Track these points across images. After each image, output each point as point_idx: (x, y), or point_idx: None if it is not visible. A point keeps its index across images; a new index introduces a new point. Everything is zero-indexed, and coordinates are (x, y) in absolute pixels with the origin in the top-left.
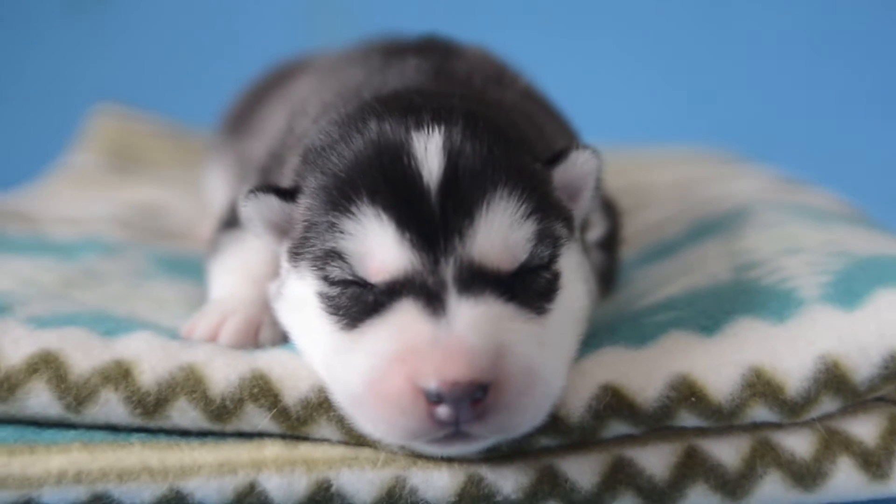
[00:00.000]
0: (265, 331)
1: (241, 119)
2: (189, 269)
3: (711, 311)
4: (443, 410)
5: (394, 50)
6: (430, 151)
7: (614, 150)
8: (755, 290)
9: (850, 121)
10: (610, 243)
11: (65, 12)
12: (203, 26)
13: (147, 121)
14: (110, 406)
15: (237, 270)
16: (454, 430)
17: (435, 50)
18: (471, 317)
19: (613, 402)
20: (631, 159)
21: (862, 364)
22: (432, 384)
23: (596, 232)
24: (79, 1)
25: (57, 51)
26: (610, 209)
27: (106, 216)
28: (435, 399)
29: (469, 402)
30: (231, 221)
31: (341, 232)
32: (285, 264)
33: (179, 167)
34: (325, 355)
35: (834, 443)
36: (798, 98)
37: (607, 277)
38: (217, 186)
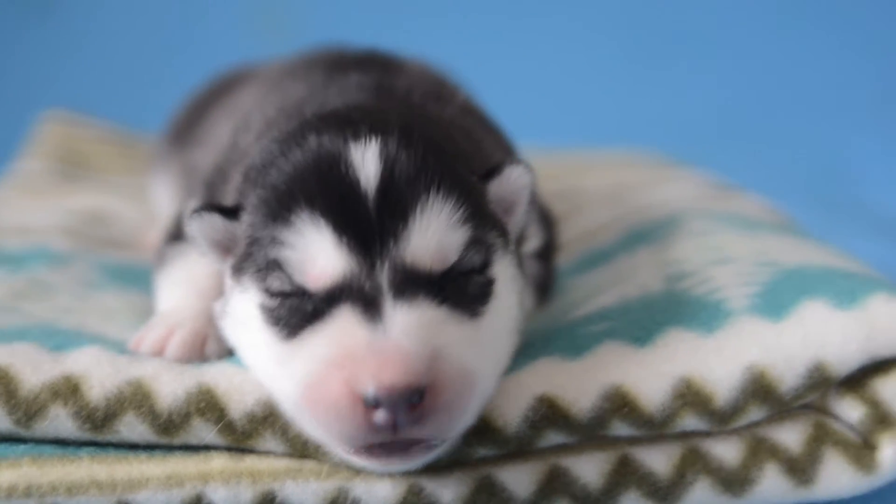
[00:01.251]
0: (211, 344)
1: (186, 129)
2: (137, 279)
3: (644, 321)
4: (380, 415)
5: (336, 65)
6: (366, 159)
7: (550, 154)
8: (685, 301)
9: (780, 119)
10: (546, 254)
11: (8, 17)
12: (149, 32)
13: (94, 127)
14: (59, 421)
15: (183, 283)
16: (392, 438)
17: (375, 65)
18: (406, 321)
19: (549, 413)
20: (566, 163)
21: (787, 374)
22: (369, 389)
23: (532, 243)
24: (23, 4)
25: (3, 56)
26: (546, 220)
27: (54, 225)
28: (373, 404)
29: (406, 406)
30: (177, 234)
31: (281, 242)
32: (229, 281)
33: (126, 173)
34: (269, 367)
35: (761, 450)
36: (728, 98)
37: (543, 287)
38: (163, 195)
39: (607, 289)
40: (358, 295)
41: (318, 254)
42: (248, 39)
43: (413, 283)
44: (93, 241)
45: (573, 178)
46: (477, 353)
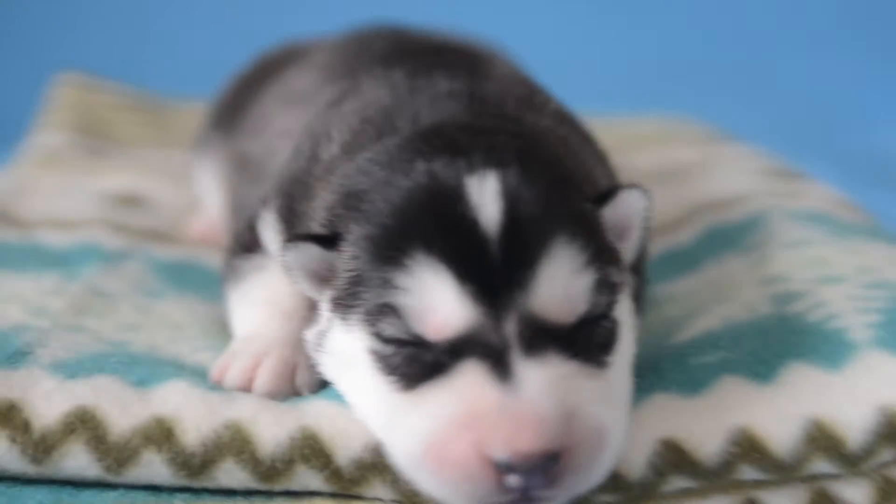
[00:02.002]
0: (302, 373)
1: (232, 114)
2: (193, 280)
3: (761, 353)
4: (514, 479)
5: (415, 64)
6: (486, 197)
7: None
8: (802, 330)
9: (786, 67)
10: (638, 265)
11: None
12: None
13: (113, 92)
14: (153, 468)
15: (265, 304)
16: (521, 496)
17: (461, 65)
18: (539, 380)
19: (674, 458)
20: (604, 136)
21: None
22: (504, 455)
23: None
24: None
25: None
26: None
27: (95, 216)
28: (505, 469)
29: (541, 471)
30: (249, 245)
31: (395, 286)
32: (328, 314)
33: (153, 145)
34: (381, 416)
35: (892, 492)
36: (728, 45)
37: (637, 299)
38: (209, 184)
39: (708, 307)
40: (484, 349)
41: (439, 302)
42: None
43: (543, 337)
44: (139, 235)
45: (617, 154)
46: (608, 406)
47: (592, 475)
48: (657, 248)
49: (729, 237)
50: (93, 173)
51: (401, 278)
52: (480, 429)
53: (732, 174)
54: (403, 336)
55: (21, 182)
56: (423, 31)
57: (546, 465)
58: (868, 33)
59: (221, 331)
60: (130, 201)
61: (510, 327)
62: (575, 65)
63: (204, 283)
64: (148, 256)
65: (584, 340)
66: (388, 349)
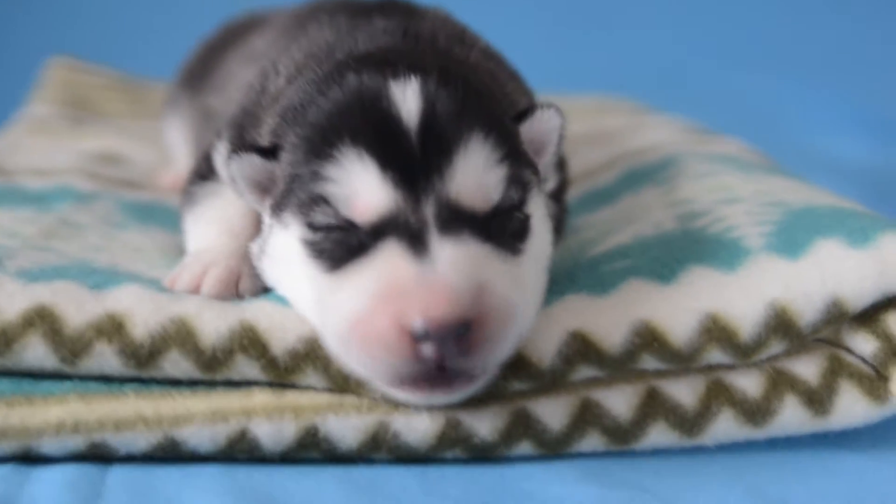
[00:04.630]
0: (245, 281)
1: (199, 74)
2: (158, 217)
3: (665, 259)
4: (428, 348)
5: (357, 10)
6: (408, 96)
7: None
8: (703, 239)
9: (717, 72)
10: (559, 193)
11: None
12: None
13: (100, 73)
14: (104, 358)
15: (215, 222)
16: (436, 370)
17: (397, 11)
18: (453, 256)
19: (582, 349)
20: None
21: (807, 309)
22: (418, 323)
23: (549, 184)
24: None
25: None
26: (561, 162)
27: (72, 167)
28: (421, 337)
29: (453, 338)
30: (204, 173)
31: (325, 178)
32: (268, 220)
33: (134, 118)
34: (313, 300)
35: (781, 382)
36: (667, 53)
37: (558, 226)
38: (178, 139)
39: (621, 227)
40: (404, 230)
41: (364, 188)
42: None
43: (458, 220)
44: (110, 182)
45: None
46: (518, 287)
47: (501, 347)
48: (583, 189)
49: (645, 175)
50: (75, 137)
51: (330, 169)
52: (399, 301)
53: (654, 131)
54: (332, 221)
55: (9, 143)
56: None
57: (458, 332)
58: (800, 49)
59: (179, 255)
60: (107, 158)
61: (428, 210)
62: (529, 62)
63: (168, 220)
64: (118, 198)
65: (498, 228)
66: (318, 236)
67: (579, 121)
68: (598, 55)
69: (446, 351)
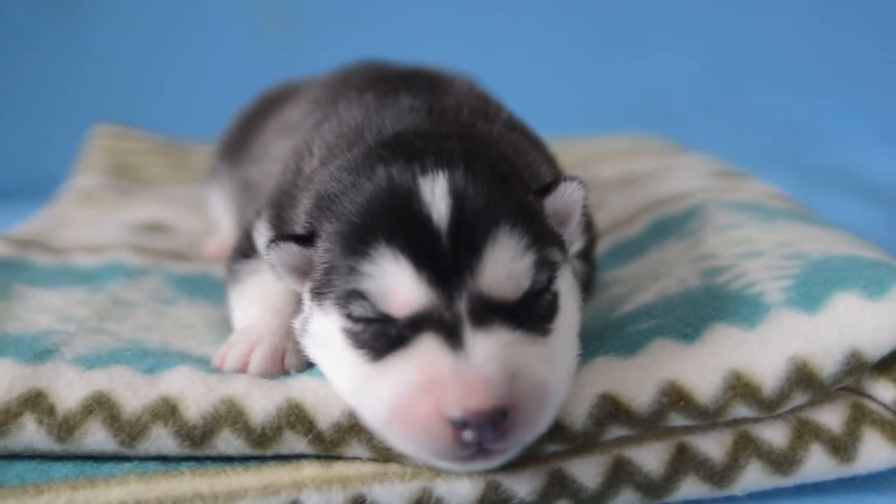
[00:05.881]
0: (290, 357)
1: (237, 146)
2: (205, 290)
3: (689, 318)
4: (468, 434)
5: (384, 86)
6: (437, 195)
7: (555, 142)
8: (725, 297)
9: (749, 91)
10: (587, 253)
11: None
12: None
13: (143, 139)
14: (161, 440)
15: (259, 300)
16: (477, 448)
17: (422, 85)
18: (486, 348)
19: (612, 410)
20: (576, 152)
21: (827, 362)
22: (457, 413)
23: (576, 246)
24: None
25: (45, 69)
26: (587, 223)
27: (121, 241)
28: (460, 425)
29: (491, 425)
30: (246, 251)
31: (361, 274)
32: (308, 303)
33: (177, 182)
34: (354, 385)
35: (805, 432)
36: (695, 72)
37: (587, 284)
38: (220, 209)
39: (647, 284)
40: (440, 324)
41: (400, 286)
42: (253, 39)
43: (489, 312)
44: (158, 255)
45: (586, 168)
46: (550, 367)
47: (537, 427)
48: (611, 241)
49: (671, 227)
50: (121, 208)
51: (366, 266)
52: (438, 392)
53: (682, 177)
54: (371, 315)
55: (58, 217)
56: (399, 64)
57: (495, 420)
58: (830, 66)
59: (226, 328)
60: (153, 228)
61: (461, 305)
62: (562, 96)
63: (214, 292)
64: (166, 272)
65: (528, 312)
66: (358, 327)
67: (608, 165)
68: (627, 78)
69: (484, 437)
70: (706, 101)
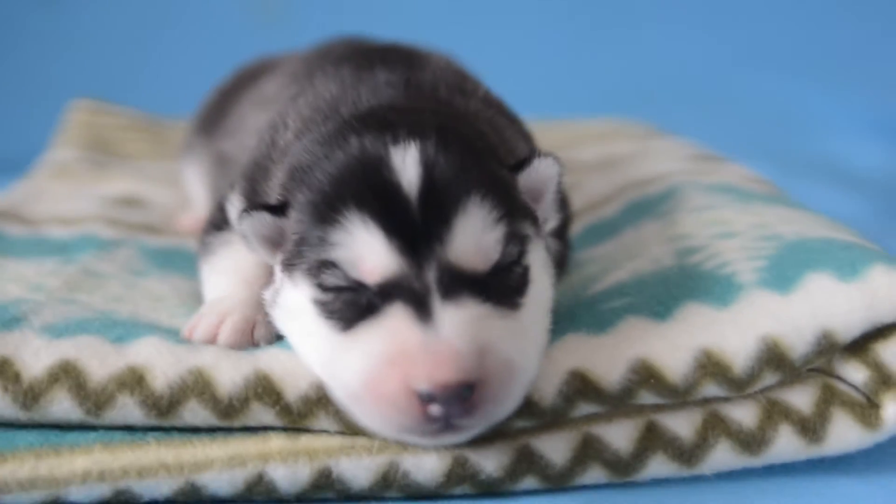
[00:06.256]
0: (259, 329)
1: (214, 118)
2: (178, 263)
3: (661, 296)
4: (435, 408)
5: (362, 61)
6: (407, 163)
7: (537, 125)
8: (698, 276)
9: (732, 77)
10: (562, 231)
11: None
12: (160, 19)
13: (121, 114)
14: (127, 409)
15: (229, 272)
16: (444, 424)
17: (399, 60)
18: (455, 321)
19: (581, 386)
20: (557, 135)
21: (798, 342)
22: (424, 387)
23: (551, 224)
24: None
25: (29, 47)
26: (563, 202)
27: (95, 213)
28: (427, 399)
29: (458, 400)
30: (219, 223)
31: (332, 243)
32: (279, 274)
33: (154, 158)
34: (323, 357)
35: (775, 412)
36: (678, 59)
37: (561, 263)
38: (194, 182)
39: (621, 263)
40: (409, 294)
41: (370, 253)
42: (237, 18)
43: (459, 283)
44: (132, 228)
45: (566, 150)
46: (520, 342)
47: (505, 404)
48: (587, 221)
49: (647, 208)
50: (97, 181)
51: (337, 235)
52: (406, 365)
53: (660, 159)
54: (341, 283)
55: (32, 190)
56: (377, 40)
57: (462, 395)
58: (815, 54)
59: (198, 301)
60: (128, 202)
61: (430, 275)
62: (546, 79)
63: (187, 265)
64: (139, 244)
65: (498, 285)
66: (328, 296)
67: (587, 148)
68: (612, 63)
69: (451, 411)
70: (690, 87)
